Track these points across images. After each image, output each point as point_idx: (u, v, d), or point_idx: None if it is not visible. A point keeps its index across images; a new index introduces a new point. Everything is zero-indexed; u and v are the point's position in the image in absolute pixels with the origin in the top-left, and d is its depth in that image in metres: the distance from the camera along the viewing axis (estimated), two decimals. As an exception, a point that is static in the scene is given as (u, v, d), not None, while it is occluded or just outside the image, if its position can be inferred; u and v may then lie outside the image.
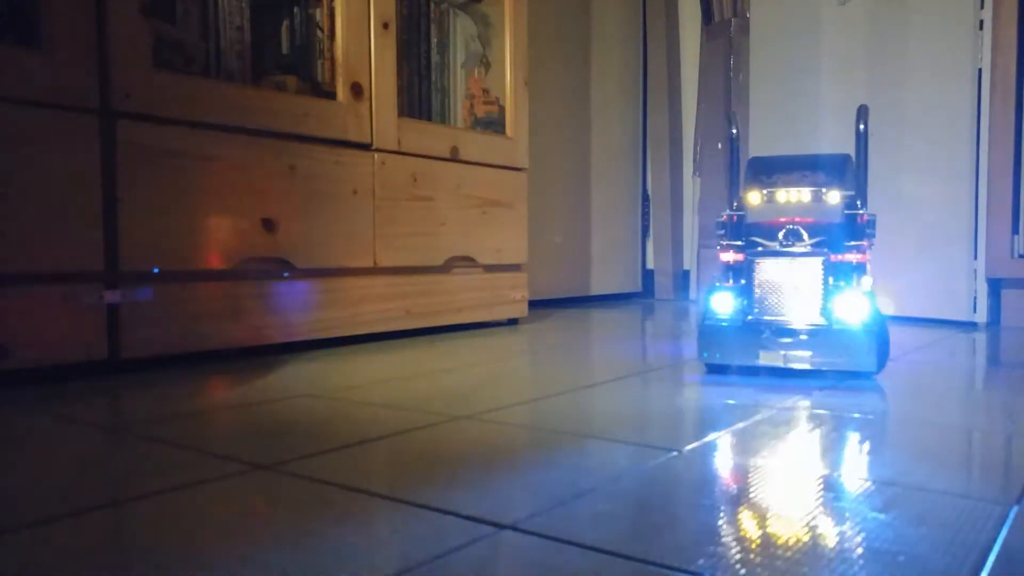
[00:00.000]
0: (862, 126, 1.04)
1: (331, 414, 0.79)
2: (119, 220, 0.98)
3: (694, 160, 2.52)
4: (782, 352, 0.98)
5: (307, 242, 1.21)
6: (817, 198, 1.00)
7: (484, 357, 1.20)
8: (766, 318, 0.99)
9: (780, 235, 1.00)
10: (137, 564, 0.42)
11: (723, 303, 1.01)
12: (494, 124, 1.64)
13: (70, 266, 0.95)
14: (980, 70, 1.69)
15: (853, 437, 0.70)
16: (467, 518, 0.48)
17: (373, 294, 1.32)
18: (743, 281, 1.01)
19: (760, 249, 1.00)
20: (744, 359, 1.00)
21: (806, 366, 0.97)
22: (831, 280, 0.97)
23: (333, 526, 0.47)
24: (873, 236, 1.00)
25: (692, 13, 2.52)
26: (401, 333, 1.41)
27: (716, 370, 1.04)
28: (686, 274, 2.56)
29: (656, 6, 2.51)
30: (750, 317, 1.00)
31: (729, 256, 1.04)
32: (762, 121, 2.04)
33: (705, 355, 1.02)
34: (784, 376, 1.01)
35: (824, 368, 0.97)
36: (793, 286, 0.98)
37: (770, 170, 1.04)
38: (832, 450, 0.66)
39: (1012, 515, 0.49)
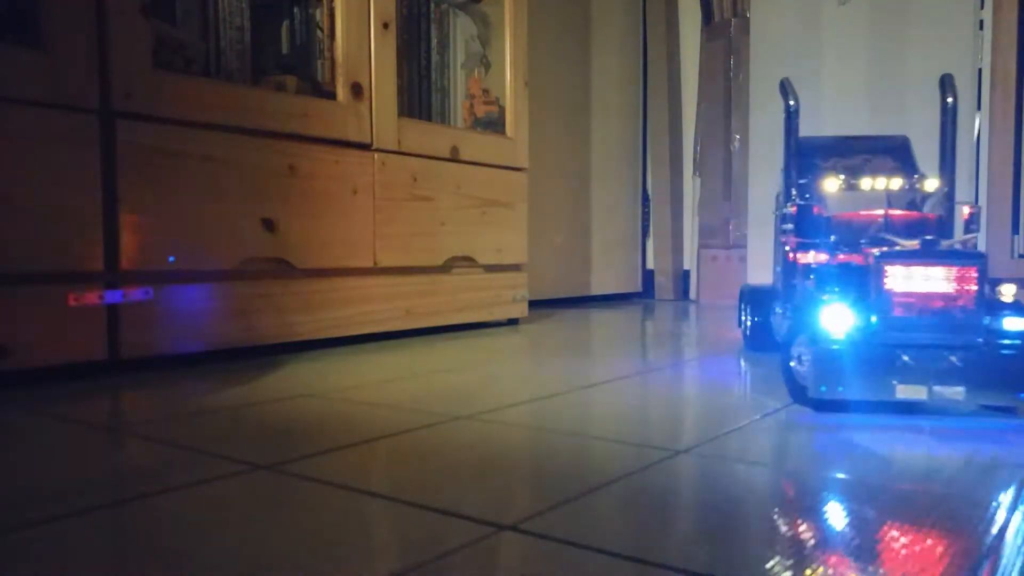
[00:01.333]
0: (950, 99, 0.86)
1: (331, 414, 0.79)
2: (119, 220, 0.98)
3: (694, 160, 2.52)
4: (927, 385, 0.74)
5: (307, 242, 1.21)
6: (910, 187, 0.82)
7: (484, 357, 1.20)
8: (902, 340, 0.76)
9: (873, 232, 0.81)
10: (137, 564, 0.42)
11: (840, 320, 0.77)
12: (494, 124, 1.64)
13: (70, 266, 0.95)
14: (980, 70, 1.69)
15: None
16: (467, 518, 0.48)
17: (373, 294, 1.32)
18: (839, 291, 0.80)
19: (890, 250, 0.78)
20: (876, 393, 0.75)
21: (959, 399, 0.74)
22: (986, 290, 0.77)
23: (333, 526, 0.47)
24: (978, 231, 0.83)
25: (692, 13, 2.52)
26: (401, 333, 1.41)
27: (822, 406, 0.79)
28: (686, 274, 2.56)
29: (656, 6, 2.51)
30: (879, 339, 0.76)
31: (813, 258, 0.82)
32: (762, 121, 2.04)
33: (824, 389, 0.76)
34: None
35: (982, 403, 0.76)
36: (937, 298, 0.76)
37: (823, 154, 0.87)
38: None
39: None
